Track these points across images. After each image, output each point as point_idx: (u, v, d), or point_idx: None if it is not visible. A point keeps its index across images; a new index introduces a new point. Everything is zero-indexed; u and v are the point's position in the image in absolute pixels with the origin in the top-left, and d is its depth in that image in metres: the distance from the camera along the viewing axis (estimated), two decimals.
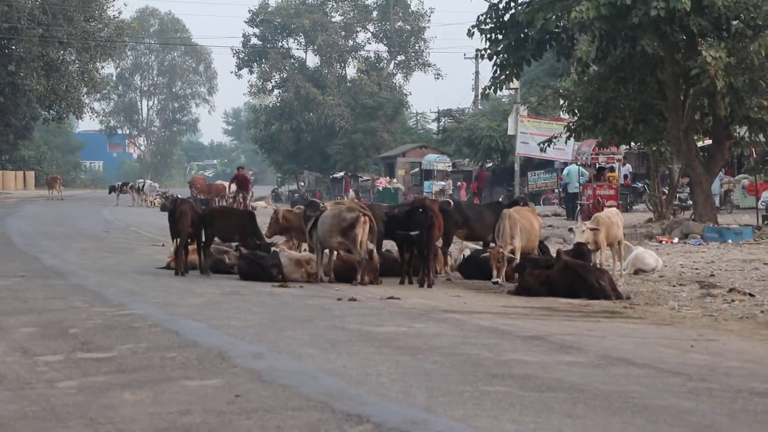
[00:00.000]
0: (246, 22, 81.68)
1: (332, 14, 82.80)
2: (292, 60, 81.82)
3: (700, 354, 9.73)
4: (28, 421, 6.77)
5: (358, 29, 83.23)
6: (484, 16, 27.65)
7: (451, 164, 59.27)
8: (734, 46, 25.17)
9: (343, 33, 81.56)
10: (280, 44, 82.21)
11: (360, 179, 66.11)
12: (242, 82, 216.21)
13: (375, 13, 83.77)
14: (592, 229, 17.47)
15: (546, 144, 31.85)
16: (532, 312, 13.21)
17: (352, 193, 54.26)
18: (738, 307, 13.72)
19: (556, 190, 47.32)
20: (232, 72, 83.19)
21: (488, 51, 27.76)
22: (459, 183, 57.15)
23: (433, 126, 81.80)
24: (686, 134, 27.55)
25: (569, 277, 15.05)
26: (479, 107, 71.08)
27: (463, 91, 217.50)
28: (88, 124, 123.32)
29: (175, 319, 11.49)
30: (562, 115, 42.29)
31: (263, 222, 19.82)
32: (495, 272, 16.48)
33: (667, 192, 32.93)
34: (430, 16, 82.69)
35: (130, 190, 59.24)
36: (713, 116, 27.86)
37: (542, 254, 17.34)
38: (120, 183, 63.97)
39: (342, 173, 69.31)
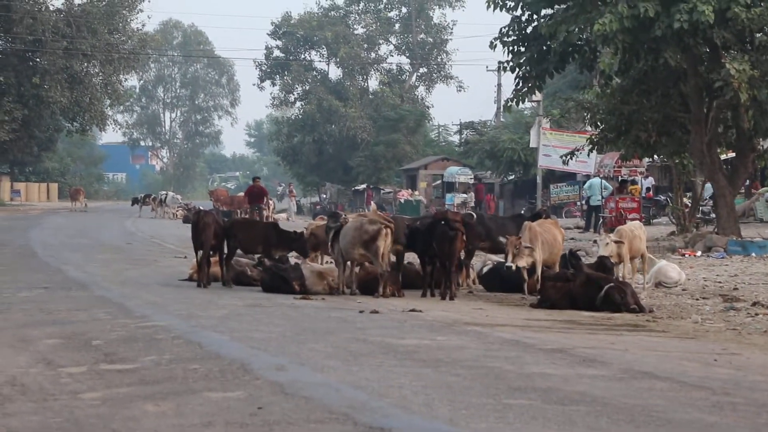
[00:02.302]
0: (269, 35, 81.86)
1: (355, 27, 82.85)
2: (315, 72, 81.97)
3: (724, 368, 9.69)
4: None
5: (381, 41, 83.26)
6: (507, 28, 27.65)
7: (473, 177, 59.24)
8: (758, 58, 25.08)
9: (365, 45, 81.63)
10: (302, 56, 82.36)
11: (382, 191, 66.12)
12: (265, 95, 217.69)
13: (397, 26, 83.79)
14: (615, 242, 17.44)
15: (568, 156, 31.80)
16: (555, 325, 13.18)
17: (373, 205, 54.23)
18: (762, 321, 13.65)
19: (579, 203, 47.21)
20: (254, 84, 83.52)
21: (511, 63, 27.76)
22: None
23: (455, 138, 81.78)
24: (709, 147, 27.45)
25: (591, 290, 15.02)
26: (501, 120, 70.98)
27: (485, 103, 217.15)
28: (111, 136, 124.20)
29: (197, 331, 11.52)
30: (584, 128, 42.19)
31: None
32: (510, 257, 16.50)
33: (689, 205, 32.80)
34: (452, 29, 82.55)
35: (152, 202, 59.41)
36: (737, 129, 27.75)
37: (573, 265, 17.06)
38: (143, 195, 64.27)
39: (364, 185, 69.38)
